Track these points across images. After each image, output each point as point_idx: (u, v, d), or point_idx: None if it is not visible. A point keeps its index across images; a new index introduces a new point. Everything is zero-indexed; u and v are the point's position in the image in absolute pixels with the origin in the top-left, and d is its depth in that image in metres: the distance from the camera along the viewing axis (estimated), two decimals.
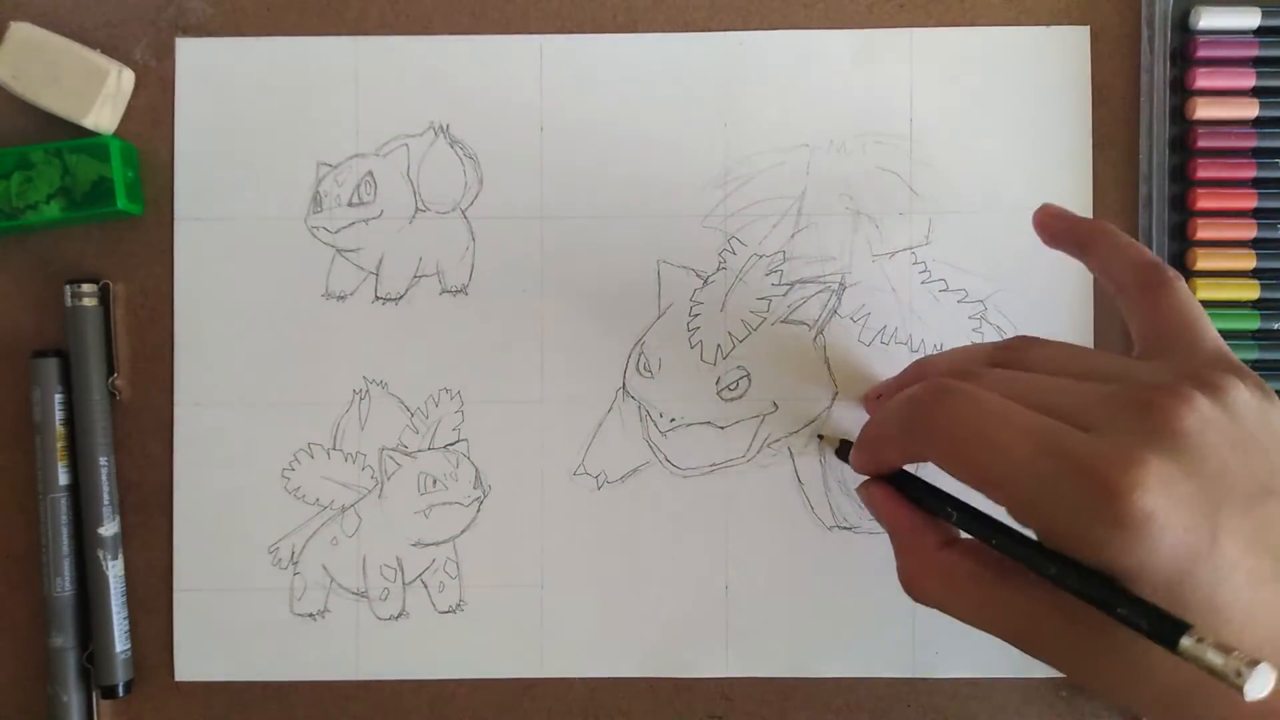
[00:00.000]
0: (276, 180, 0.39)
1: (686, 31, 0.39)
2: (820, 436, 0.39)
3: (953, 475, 0.27)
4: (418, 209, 0.39)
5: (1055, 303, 0.39)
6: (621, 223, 0.39)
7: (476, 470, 0.39)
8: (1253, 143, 0.38)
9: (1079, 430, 0.25)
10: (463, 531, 0.39)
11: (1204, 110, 0.38)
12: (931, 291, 0.39)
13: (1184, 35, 0.38)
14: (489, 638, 0.39)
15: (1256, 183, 0.38)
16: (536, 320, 0.39)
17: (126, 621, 0.38)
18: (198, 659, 0.39)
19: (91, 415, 0.38)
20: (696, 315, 0.39)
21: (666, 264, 0.39)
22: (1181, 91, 0.38)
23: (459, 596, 0.39)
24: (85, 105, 0.37)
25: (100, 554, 0.38)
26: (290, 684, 0.39)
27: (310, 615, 0.39)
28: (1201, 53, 0.38)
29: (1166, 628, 0.23)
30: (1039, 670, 0.39)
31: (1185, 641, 0.22)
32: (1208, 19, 0.38)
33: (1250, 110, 0.38)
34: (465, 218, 0.39)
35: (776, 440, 0.39)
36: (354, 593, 0.39)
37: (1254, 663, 0.21)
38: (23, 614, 0.39)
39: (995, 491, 0.26)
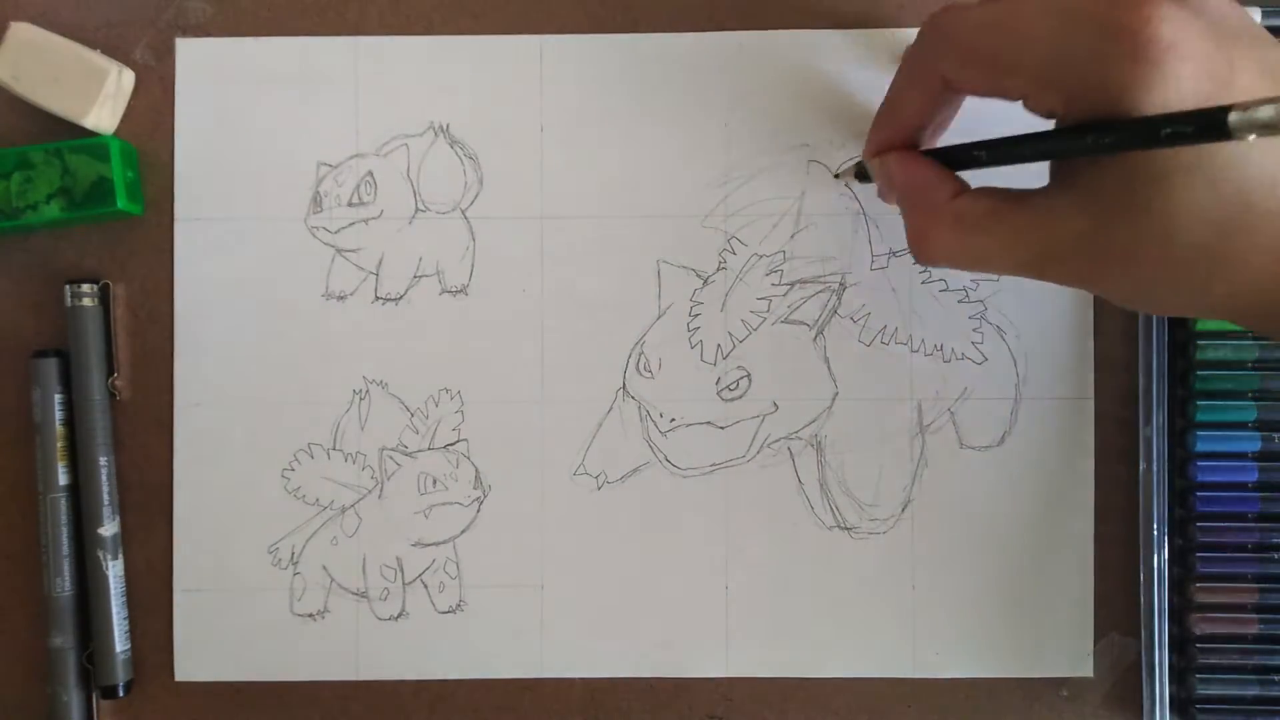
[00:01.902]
0: (276, 180, 0.39)
1: (687, 31, 0.39)
2: (836, 175, 0.38)
3: (969, 79, 0.28)
4: (418, 209, 0.39)
5: (1055, 302, 0.39)
6: (621, 223, 0.39)
7: (476, 470, 0.39)
8: None
9: None
10: (463, 531, 0.39)
11: None
12: (931, 291, 0.39)
13: None
14: (489, 638, 0.39)
15: None
16: (536, 320, 0.39)
17: (126, 621, 0.38)
18: (198, 659, 0.39)
19: (91, 415, 0.38)
20: (696, 315, 0.39)
21: (666, 264, 0.39)
22: None
23: (459, 597, 0.39)
24: (85, 105, 0.37)
25: (100, 554, 0.38)
26: (290, 684, 0.39)
27: (310, 615, 0.39)
28: None
29: (1212, 117, 0.23)
30: (1039, 670, 0.39)
31: (1233, 117, 0.22)
32: None
33: None
34: (465, 218, 0.39)
35: (776, 440, 0.39)
36: (354, 593, 0.39)
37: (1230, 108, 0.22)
38: (23, 614, 0.39)
39: (1015, 77, 0.27)
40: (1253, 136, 0.22)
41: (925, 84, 0.30)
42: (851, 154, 0.39)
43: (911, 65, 0.31)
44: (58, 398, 0.38)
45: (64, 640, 0.38)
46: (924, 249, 0.31)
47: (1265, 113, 0.22)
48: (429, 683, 0.39)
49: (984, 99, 0.29)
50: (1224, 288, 0.26)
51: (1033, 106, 0.28)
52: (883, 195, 0.35)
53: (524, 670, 0.39)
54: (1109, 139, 0.25)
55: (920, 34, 0.30)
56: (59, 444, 0.38)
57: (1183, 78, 0.24)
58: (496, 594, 0.39)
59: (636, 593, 0.39)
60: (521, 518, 0.39)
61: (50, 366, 0.38)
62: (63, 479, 0.38)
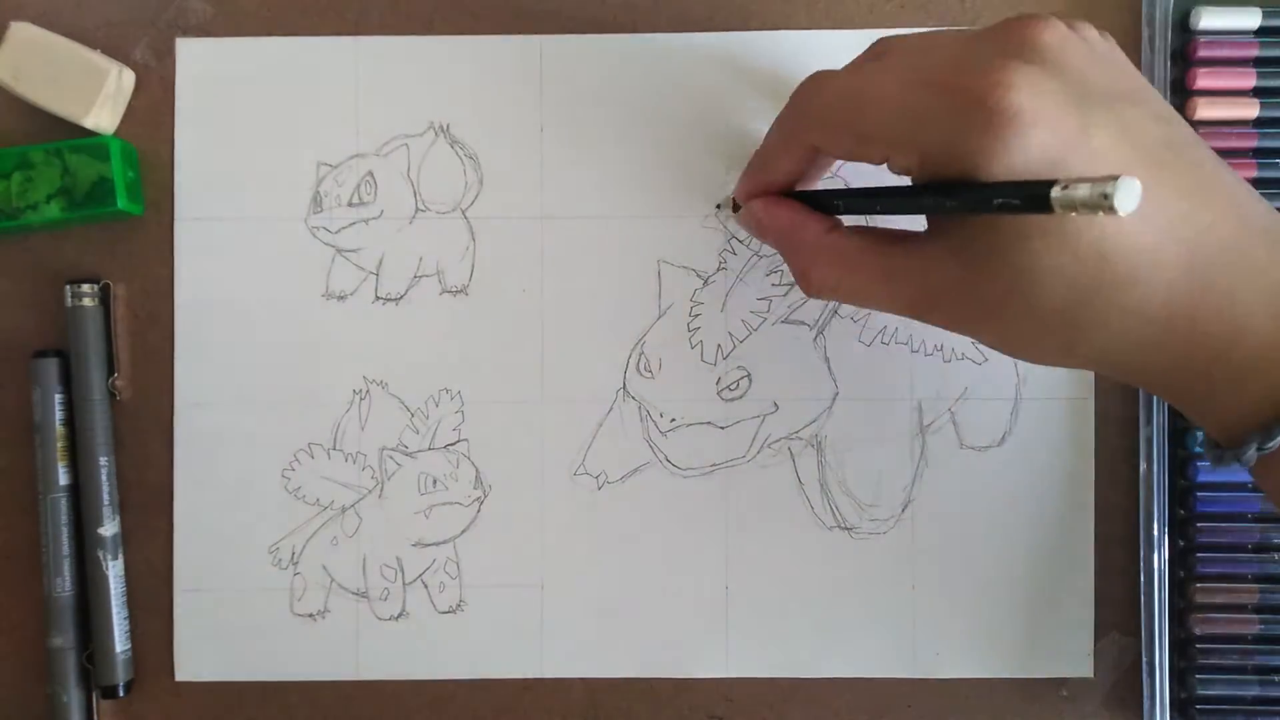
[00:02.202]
0: (277, 180, 0.39)
1: (687, 31, 0.39)
2: (718, 206, 0.39)
3: (833, 148, 0.29)
4: (418, 209, 0.39)
5: None
6: (621, 223, 0.39)
7: (477, 470, 0.39)
8: (1253, 143, 0.38)
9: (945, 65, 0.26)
10: (463, 532, 0.39)
11: (1204, 111, 0.38)
12: None
13: (1184, 36, 0.38)
14: (489, 638, 0.39)
15: (1257, 183, 0.38)
16: (536, 320, 0.39)
17: (126, 621, 0.38)
18: (198, 659, 0.39)
19: (91, 415, 0.38)
20: (697, 315, 0.39)
21: (666, 264, 0.39)
22: (1182, 92, 0.38)
23: (459, 597, 0.39)
24: (85, 105, 0.37)
25: (100, 554, 0.38)
26: (290, 684, 0.39)
27: (310, 615, 0.39)
28: (1202, 53, 0.38)
29: (1037, 191, 0.23)
30: (1039, 670, 0.39)
31: (1055, 192, 0.22)
32: (1208, 19, 0.38)
33: (1251, 110, 0.38)
34: (465, 218, 0.39)
35: (776, 440, 0.39)
36: (354, 593, 0.39)
37: (1114, 177, 0.21)
38: (23, 614, 0.39)
39: (873, 144, 0.28)
40: (1073, 214, 0.22)
41: (794, 149, 0.31)
42: (849, 166, 0.39)
43: (781, 130, 0.32)
44: (58, 398, 0.38)
45: (64, 640, 0.38)
46: (808, 283, 0.31)
47: (1081, 192, 0.22)
48: (429, 683, 0.39)
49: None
50: (1086, 347, 0.27)
51: (894, 169, 0.28)
52: (755, 235, 0.35)
53: (524, 670, 0.39)
54: (949, 202, 0.26)
55: (789, 101, 0.31)
56: (59, 444, 0.38)
57: (1030, 144, 0.24)
58: (497, 594, 0.39)
59: (637, 593, 0.39)
60: (522, 518, 0.39)
61: (50, 366, 0.38)
62: (63, 479, 0.38)
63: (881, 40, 0.30)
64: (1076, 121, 0.25)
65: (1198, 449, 0.38)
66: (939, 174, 0.26)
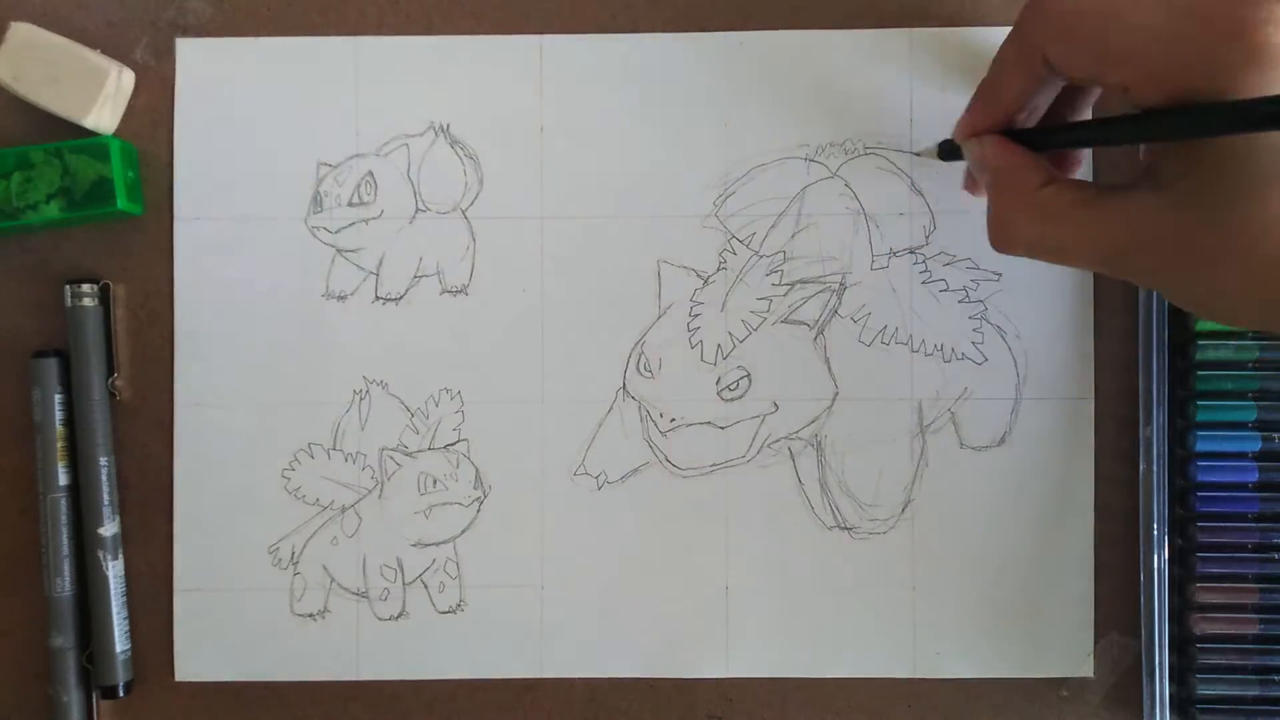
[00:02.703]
0: (277, 180, 0.39)
1: (687, 31, 0.39)
2: (917, 154, 0.38)
3: (1073, 64, 0.28)
4: (418, 209, 0.39)
5: (1056, 302, 0.39)
6: (621, 223, 0.39)
7: (477, 470, 0.39)
8: None
9: None
10: (463, 532, 0.39)
11: None
12: (932, 291, 0.39)
13: None
14: (489, 638, 0.39)
15: None
16: (536, 320, 0.39)
17: (126, 621, 0.38)
18: (198, 659, 0.39)
19: (91, 415, 0.38)
20: (696, 315, 0.39)
21: (666, 264, 0.39)
22: None
23: (459, 597, 0.39)
24: (85, 105, 0.37)
25: (100, 554, 0.38)
26: (290, 684, 0.39)
27: (310, 615, 0.39)
28: None
29: None
30: (1039, 670, 0.39)
31: None
32: None
33: None
34: (465, 218, 0.39)
35: (776, 440, 0.39)
36: (354, 593, 0.39)
37: None
38: (23, 614, 0.39)
39: (1121, 66, 0.27)
40: None
41: (1026, 65, 0.30)
42: (850, 154, 0.39)
43: (1013, 46, 0.30)
44: (58, 398, 0.38)
45: (64, 640, 0.38)
46: (1004, 235, 0.31)
47: None
48: (429, 683, 0.39)
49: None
50: None
51: (1133, 97, 0.27)
52: (968, 183, 0.35)
53: (524, 670, 0.39)
54: (1206, 122, 0.25)
55: (1023, 14, 0.30)
56: (59, 444, 0.38)
57: None
58: (497, 594, 0.39)
59: (637, 593, 0.39)
60: (522, 518, 0.39)
61: (50, 366, 0.38)
62: (63, 479, 0.38)
63: None
64: None
65: (1198, 449, 0.38)
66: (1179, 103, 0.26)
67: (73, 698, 0.38)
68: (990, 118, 0.32)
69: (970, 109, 0.33)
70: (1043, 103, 0.32)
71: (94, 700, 0.38)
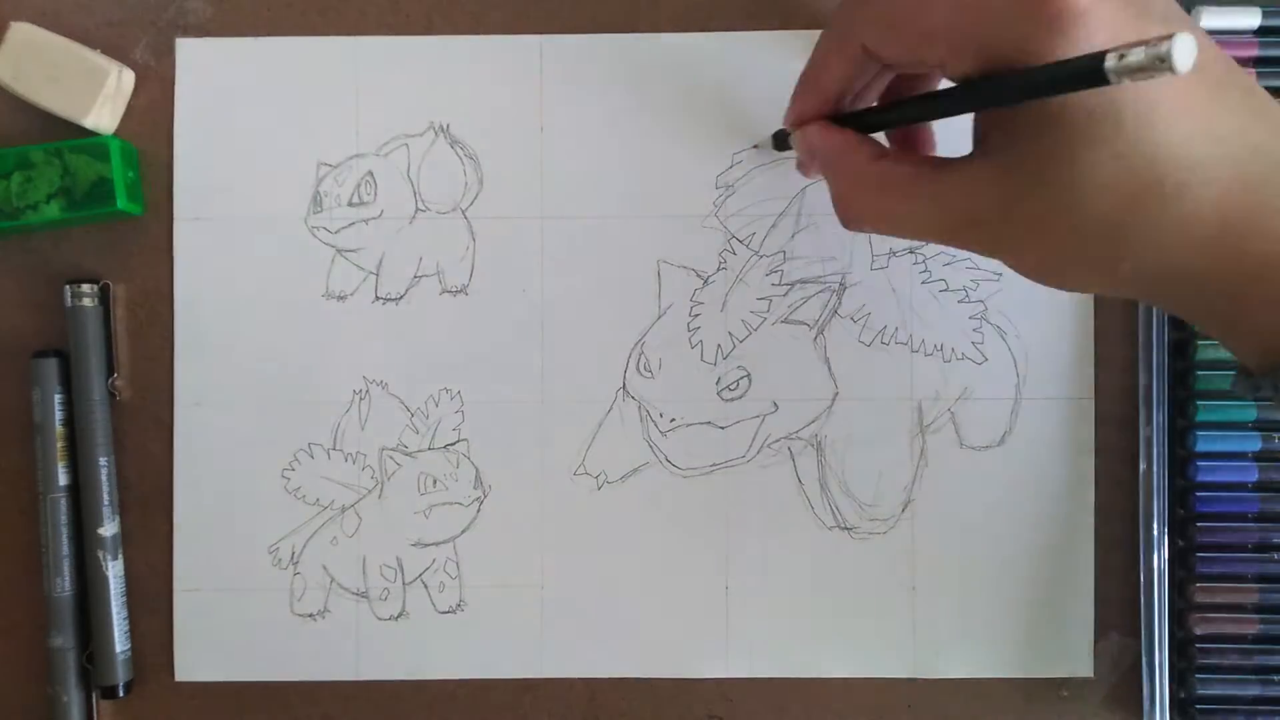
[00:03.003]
0: (277, 180, 0.39)
1: (687, 31, 0.39)
2: (755, 146, 0.39)
3: (888, 47, 0.28)
4: (418, 209, 0.39)
5: (1056, 302, 0.39)
6: (621, 223, 0.39)
7: (477, 470, 0.39)
8: None
9: None
10: (463, 532, 0.39)
11: None
12: (932, 291, 0.39)
13: None
14: (489, 638, 0.39)
15: None
16: (536, 320, 0.39)
17: (126, 622, 0.38)
18: (198, 659, 0.39)
19: (91, 415, 0.38)
20: (697, 315, 0.39)
21: (666, 264, 0.39)
22: None
23: (459, 597, 0.39)
24: (85, 105, 0.37)
25: (100, 554, 0.38)
26: (290, 684, 0.39)
27: (310, 615, 0.39)
28: None
29: (1091, 64, 0.22)
30: (1039, 670, 0.39)
31: (1110, 62, 0.22)
32: (1208, 19, 0.37)
33: None
34: (465, 218, 0.39)
35: (776, 440, 0.39)
36: (354, 593, 0.39)
37: (1168, 36, 0.21)
38: (23, 614, 0.39)
39: (932, 45, 0.27)
40: (1127, 80, 0.22)
41: (846, 52, 0.30)
42: None
43: (832, 34, 0.31)
44: (58, 398, 0.38)
45: (64, 640, 0.38)
46: (848, 213, 0.31)
47: (1136, 56, 0.21)
48: (429, 683, 0.39)
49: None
50: (1129, 265, 0.26)
51: (950, 73, 0.28)
52: (802, 167, 0.35)
53: (524, 670, 0.39)
54: (1005, 93, 0.26)
55: (842, 4, 0.30)
56: (59, 444, 0.38)
57: (1094, 45, 0.24)
58: (497, 594, 0.39)
59: (637, 593, 0.39)
60: (522, 518, 0.39)
61: (50, 367, 0.38)
62: (63, 479, 0.38)
63: None
64: (1136, 27, 0.25)
65: (1198, 448, 0.38)
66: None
67: (73, 697, 0.38)
68: (814, 106, 0.32)
69: (795, 98, 0.33)
70: (866, 91, 0.33)
71: (94, 700, 0.38)
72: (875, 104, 0.34)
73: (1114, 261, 0.26)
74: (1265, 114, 0.26)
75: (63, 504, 0.38)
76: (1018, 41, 0.25)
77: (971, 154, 0.29)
